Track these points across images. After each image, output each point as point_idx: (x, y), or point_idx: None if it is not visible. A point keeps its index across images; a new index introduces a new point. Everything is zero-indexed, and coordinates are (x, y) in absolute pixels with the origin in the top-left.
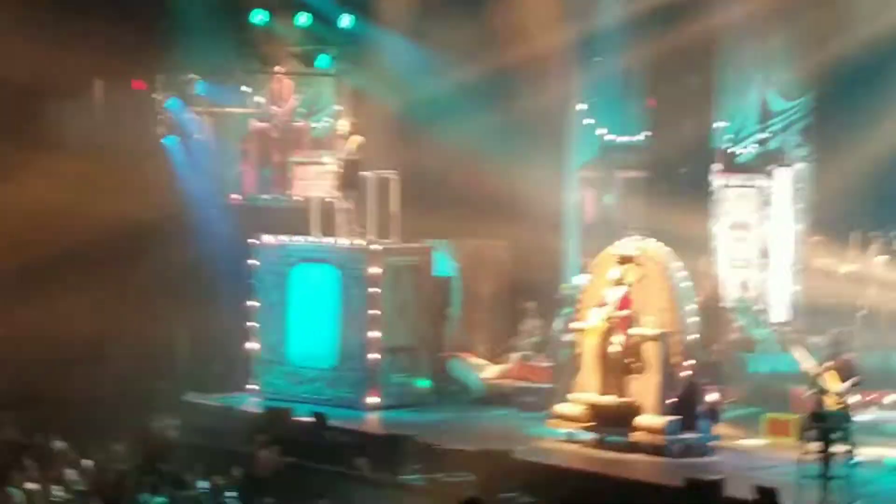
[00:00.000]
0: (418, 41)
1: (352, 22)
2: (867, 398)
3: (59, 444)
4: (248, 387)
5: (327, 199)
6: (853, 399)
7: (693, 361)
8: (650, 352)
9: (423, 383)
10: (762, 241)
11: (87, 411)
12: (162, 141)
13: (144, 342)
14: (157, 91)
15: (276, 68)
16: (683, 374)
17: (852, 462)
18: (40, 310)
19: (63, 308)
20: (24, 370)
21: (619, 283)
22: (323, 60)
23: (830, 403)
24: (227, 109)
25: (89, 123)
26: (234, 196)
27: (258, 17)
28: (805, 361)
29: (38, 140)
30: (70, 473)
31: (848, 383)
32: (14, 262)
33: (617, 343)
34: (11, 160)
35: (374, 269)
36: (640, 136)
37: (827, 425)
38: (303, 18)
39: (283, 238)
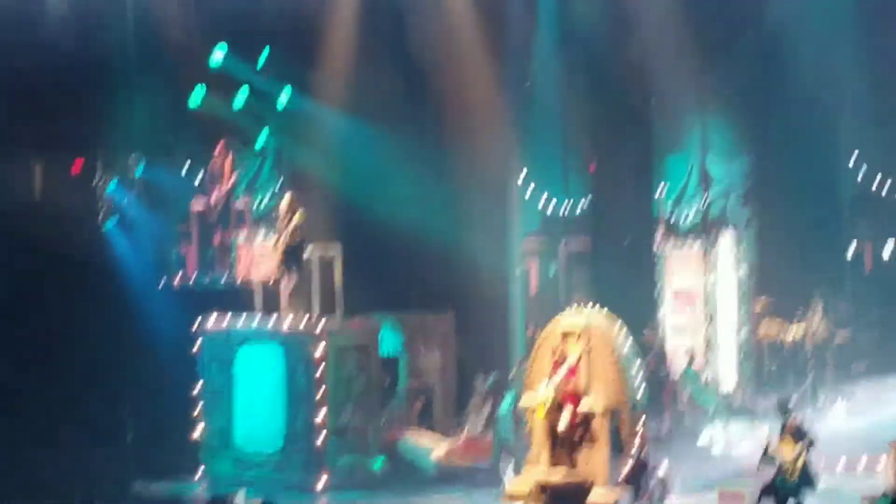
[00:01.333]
0: (357, 115)
1: (289, 98)
2: (819, 465)
3: None
4: (195, 473)
5: (270, 280)
6: (806, 464)
7: (642, 434)
8: (599, 426)
9: (375, 463)
10: (707, 306)
11: (34, 494)
12: (102, 224)
13: (91, 428)
14: (97, 172)
15: (216, 148)
16: (633, 446)
17: None
18: None
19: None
20: None
21: (564, 356)
22: (262, 137)
23: (786, 470)
24: (168, 190)
25: (30, 207)
26: (176, 278)
27: (196, 96)
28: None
29: None
30: None
31: (795, 447)
32: None
33: (565, 418)
34: None
35: (319, 349)
36: (582, 204)
37: (781, 495)
38: (241, 97)
39: (227, 320)
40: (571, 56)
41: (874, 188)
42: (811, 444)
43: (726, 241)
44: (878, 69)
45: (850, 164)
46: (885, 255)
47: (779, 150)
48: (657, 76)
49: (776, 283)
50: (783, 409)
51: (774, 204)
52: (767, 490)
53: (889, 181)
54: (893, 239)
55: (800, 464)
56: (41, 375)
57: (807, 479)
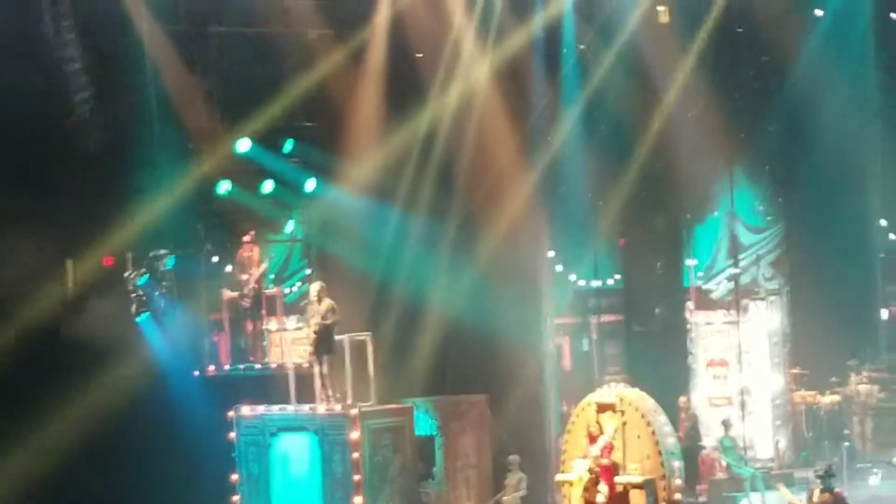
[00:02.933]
0: (383, 200)
1: (317, 186)
2: None
3: None
4: None
5: (304, 366)
6: None
7: None
8: (637, 499)
9: None
10: (741, 376)
11: None
12: (135, 319)
13: None
14: (127, 268)
15: (244, 237)
16: None
17: None
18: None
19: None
20: None
21: (600, 431)
22: (290, 226)
23: None
24: (198, 280)
25: (63, 304)
26: (209, 368)
27: (223, 187)
28: (790, 500)
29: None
30: None
31: None
32: None
33: (603, 493)
34: None
35: (354, 434)
36: (612, 280)
37: None
38: (268, 186)
39: (261, 408)
40: (596, 129)
41: None
42: None
43: (758, 309)
44: None
45: (880, 227)
46: None
47: (809, 217)
48: (683, 146)
49: (811, 350)
50: (822, 477)
51: (806, 270)
52: None
53: None
54: None
55: None
56: (79, 471)
57: None
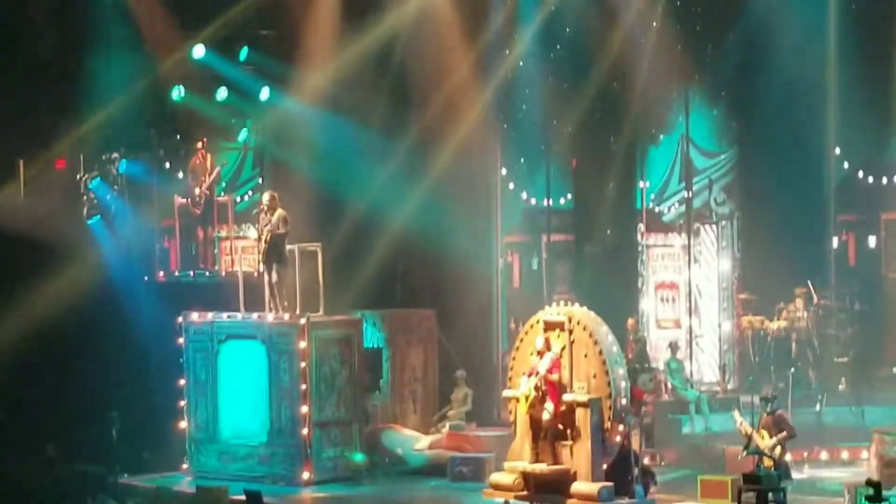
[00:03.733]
0: (338, 112)
1: (271, 95)
2: (802, 456)
3: None
4: (181, 467)
5: (253, 274)
6: (786, 457)
7: (625, 425)
8: (582, 418)
9: (358, 457)
10: (689, 300)
11: (19, 498)
12: (87, 221)
13: (75, 422)
14: (80, 171)
15: (197, 144)
16: (616, 438)
17: None
18: None
19: None
20: None
21: (547, 349)
22: (243, 134)
23: (767, 463)
24: (150, 186)
25: (14, 205)
26: (160, 273)
27: (177, 93)
28: (740, 423)
29: None
30: None
31: (775, 439)
32: None
33: (548, 410)
34: None
35: (302, 343)
36: (564, 200)
37: (763, 486)
38: (222, 93)
39: (210, 315)
40: (552, 50)
41: (859, 179)
42: (792, 436)
43: (709, 233)
44: (863, 59)
45: (835, 156)
46: (870, 245)
47: (762, 142)
48: (640, 67)
49: (759, 276)
50: (765, 401)
51: (758, 196)
52: (750, 480)
53: (873, 173)
54: (876, 233)
55: (778, 453)
56: (24, 370)
57: (786, 470)
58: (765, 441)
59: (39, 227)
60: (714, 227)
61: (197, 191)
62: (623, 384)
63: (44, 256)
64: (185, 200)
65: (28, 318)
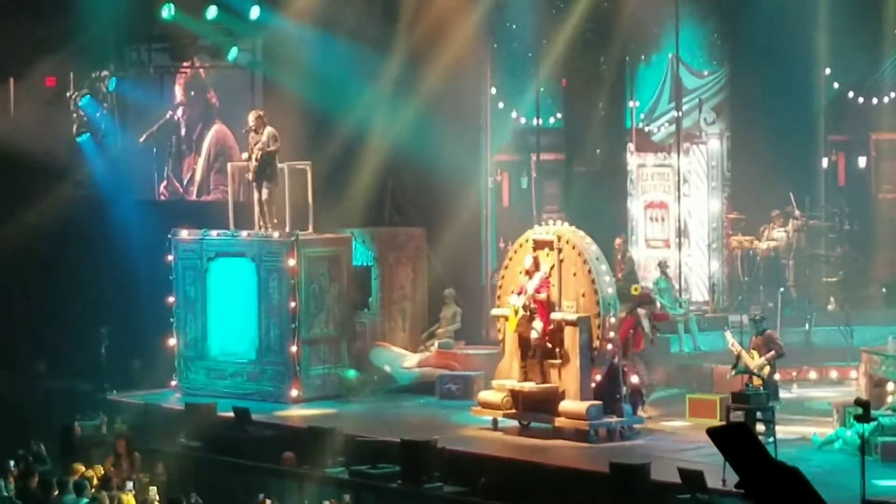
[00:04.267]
0: (328, 31)
1: (261, 13)
2: (790, 375)
3: None
4: (169, 384)
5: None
6: (775, 376)
7: (614, 343)
8: (570, 337)
9: (350, 373)
10: (679, 219)
11: (7, 410)
12: (76, 139)
13: (65, 337)
14: (69, 88)
15: (187, 62)
16: (604, 357)
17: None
18: None
19: None
20: None
21: (536, 268)
22: (233, 53)
23: (756, 383)
24: (141, 104)
25: (4, 122)
26: (150, 191)
27: (167, 11)
28: (732, 342)
29: None
30: None
31: (763, 359)
32: None
33: (537, 329)
34: None
35: (291, 261)
36: (554, 119)
37: (751, 405)
38: (212, 11)
39: (200, 233)
40: None
41: (849, 99)
42: (781, 355)
43: (699, 153)
44: None
45: (825, 75)
46: (860, 165)
47: (753, 62)
48: None
49: (749, 195)
50: (754, 321)
51: (748, 116)
52: (738, 399)
53: (863, 94)
54: (866, 153)
55: (766, 373)
56: (11, 286)
57: (774, 389)
58: (754, 361)
59: (29, 144)
60: (704, 146)
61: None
62: (612, 303)
63: (33, 173)
64: (176, 119)
65: (17, 235)
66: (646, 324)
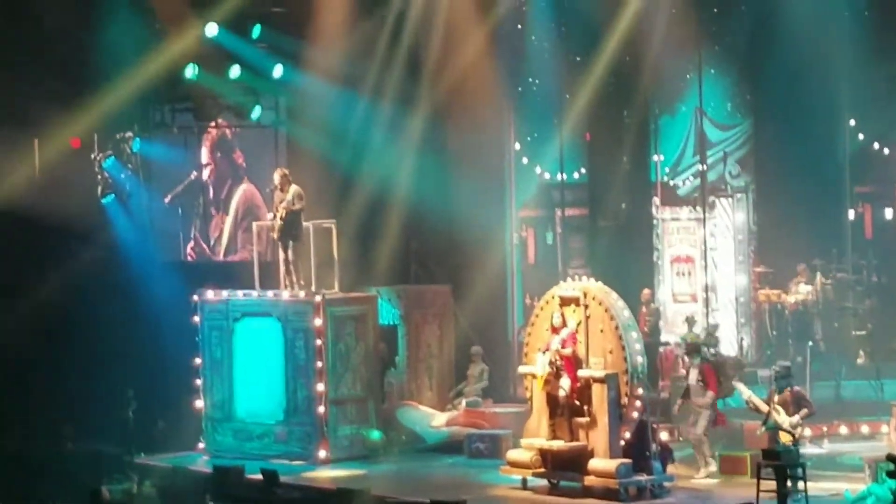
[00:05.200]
0: (351, 88)
1: (284, 72)
2: (821, 430)
3: None
4: (197, 446)
5: (267, 252)
6: (805, 432)
7: (642, 400)
8: (598, 394)
9: (375, 434)
10: (705, 273)
11: (34, 474)
12: (101, 200)
13: (92, 401)
14: (94, 149)
15: (211, 122)
16: (633, 414)
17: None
18: None
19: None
20: None
21: (563, 324)
22: (257, 112)
23: (785, 439)
24: (165, 165)
25: (29, 183)
26: (176, 252)
27: (190, 71)
28: (749, 397)
29: None
30: None
31: (797, 417)
32: None
33: (564, 386)
34: None
35: (317, 321)
36: (578, 174)
37: (782, 462)
38: (235, 71)
39: (226, 293)
40: (565, 20)
41: (874, 151)
42: (812, 413)
43: (724, 206)
44: (878, 28)
45: (850, 127)
46: (886, 217)
47: (777, 114)
48: (652, 39)
49: (776, 249)
50: (782, 377)
51: (773, 168)
52: (769, 456)
53: (889, 145)
54: (892, 204)
55: (798, 431)
56: (41, 348)
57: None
58: (781, 417)
59: (53, 205)
60: (729, 200)
61: (212, 170)
62: (640, 359)
63: (58, 235)
64: (200, 180)
65: (43, 298)
66: (692, 375)
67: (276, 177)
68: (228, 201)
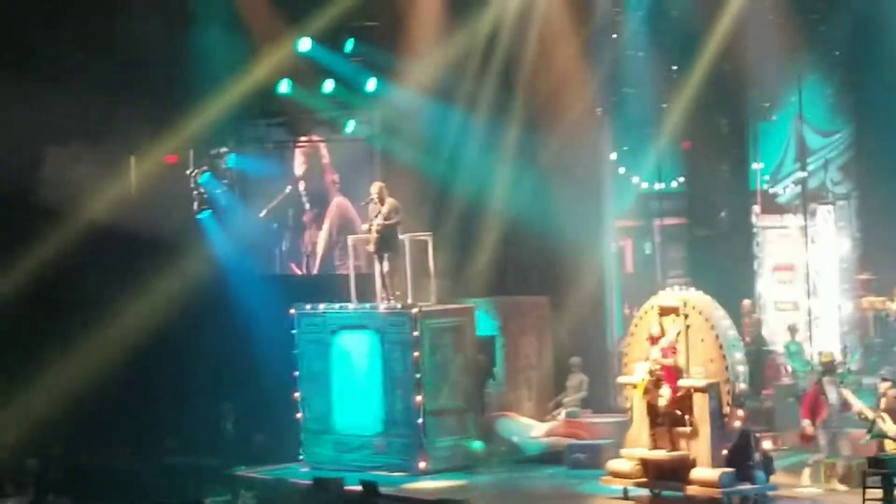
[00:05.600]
0: (445, 100)
1: (378, 86)
2: None
3: None
4: (296, 458)
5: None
6: None
7: (744, 410)
8: (700, 403)
9: (476, 445)
10: (807, 281)
11: (136, 491)
12: (197, 216)
13: (191, 415)
14: (189, 166)
15: (305, 136)
16: (735, 423)
17: None
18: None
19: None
20: (75, 448)
21: (662, 334)
22: (351, 126)
23: (891, 447)
24: (260, 179)
25: (125, 201)
26: (271, 266)
27: (284, 86)
28: (855, 405)
29: (77, 217)
30: None
31: None
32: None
33: (665, 396)
34: (53, 237)
35: (415, 333)
36: (676, 183)
37: (888, 470)
38: (328, 85)
39: (323, 306)
40: (661, 27)
41: None
42: None
43: (826, 213)
44: None
45: None
46: None
47: (879, 119)
48: (750, 45)
49: (880, 255)
50: (886, 385)
51: (875, 174)
52: (874, 464)
53: None
54: None
55: None
56: (139, 365)
57: None
58: (887, 424)
59: (149, 222)
60: (831, 207)
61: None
62: (741, 368)
63: (154, 251)
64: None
65: (142, 315)
66: (831, 392)
67: (374, 189)
68: (322, 215)
